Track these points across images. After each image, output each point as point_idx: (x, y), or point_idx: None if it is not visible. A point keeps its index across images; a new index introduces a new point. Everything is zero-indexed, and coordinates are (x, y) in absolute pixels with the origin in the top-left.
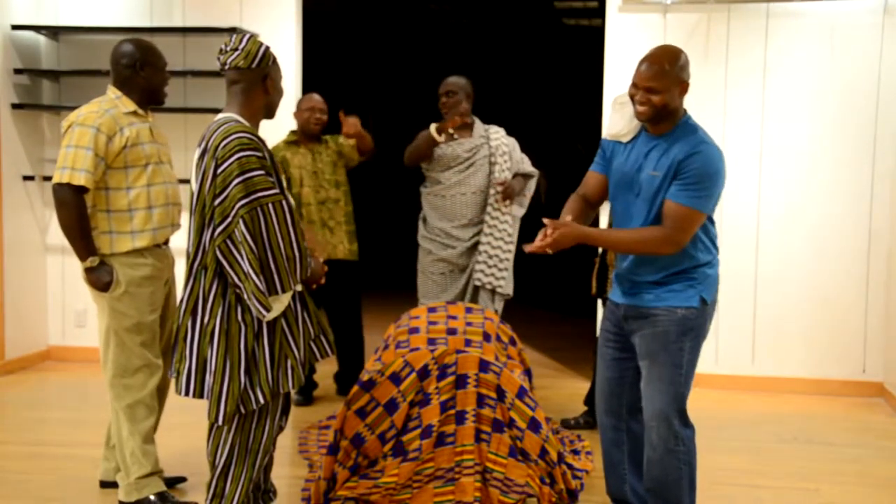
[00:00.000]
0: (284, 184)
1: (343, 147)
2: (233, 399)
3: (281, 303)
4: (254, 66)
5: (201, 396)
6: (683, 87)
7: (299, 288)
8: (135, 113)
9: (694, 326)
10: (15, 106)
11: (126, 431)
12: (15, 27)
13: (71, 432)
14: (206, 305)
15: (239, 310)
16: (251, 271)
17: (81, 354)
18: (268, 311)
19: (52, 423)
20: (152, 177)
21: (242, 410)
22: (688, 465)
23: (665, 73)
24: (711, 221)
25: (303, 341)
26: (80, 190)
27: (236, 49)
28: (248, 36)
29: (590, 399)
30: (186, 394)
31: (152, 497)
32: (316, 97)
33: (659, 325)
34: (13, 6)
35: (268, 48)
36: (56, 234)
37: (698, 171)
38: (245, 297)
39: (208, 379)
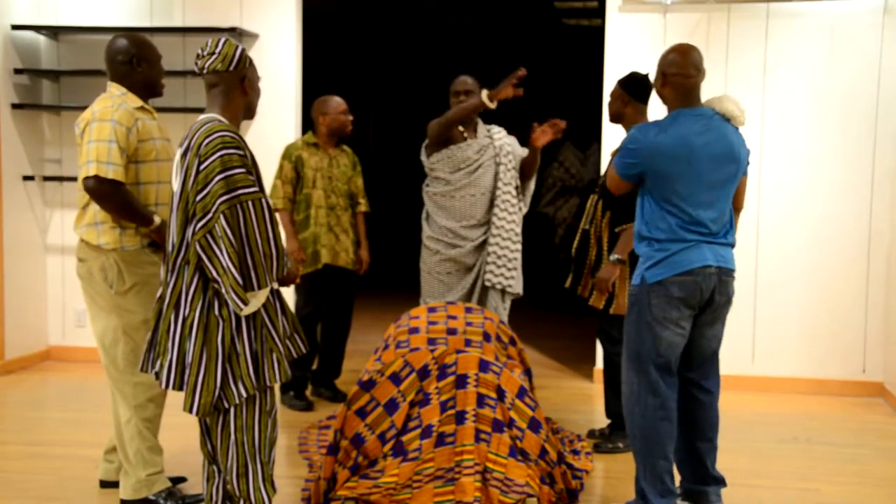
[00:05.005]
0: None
1: (357, 167)
2: (207, 392)
3: (258, 299)
4: (231, 68)
5: (181, 389)
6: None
7: (275, 286)
8: (142, 108)
9: (635, 303)
10: (15, 106)
11: (133, 430)
12: (15, 27)
13: (71, 432)
14: (187, 299)
15: (217, 305)
16: (230, 265)
17: (81, 354)
18: (245, 304)
19: (52, 423)
20: (161, 174)
21: (225, 405)
22: (640, 428)
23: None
24: (673, 210)
25: (283, 336)
26: (113, 183)
27: (213, 53)
28: (223, 39)
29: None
30: (167, 386)
31: (162, 494)
32: (340, 99)
33: None
34: (13, 6)
35: (244, 50)
36: (56, 234)
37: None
38: (223, 291)
39: (186, 371)
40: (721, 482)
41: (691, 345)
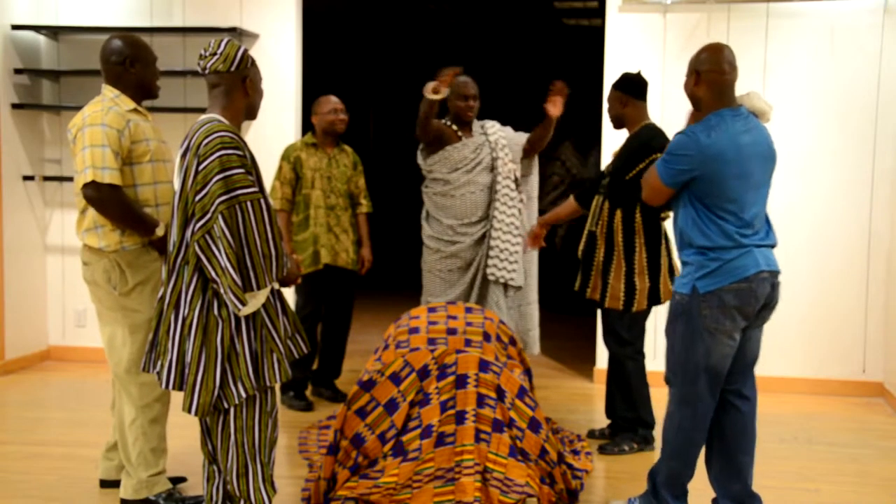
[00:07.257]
0: (264, 183)
1: (358, 167)
2: (206, 391)
3: (257, 299)
4: (233, 68)
5: (181, 389)
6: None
7: (276, 286)
8: (135, 110)
9: (685, 311)
10: (15, 106)
11: (137, 431)
12: (15, 27)
13: (71, 432)
14: (186, 299)
15: (216, 305)
16: (228, 266)
17: (81, 354)
18: (243, 305)
19: (52, 423)
20: (157, 174)
21: (225, 405)
22: (674, 437)
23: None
24: (725, 216)
25: (284, 336)
26: (111, 187)
27: (215, 53)
28: (226, 40)
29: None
30: (167, 385)
31: (162, 495)
32: (335, 98)
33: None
34: (13, 6)
35: (246, 51)
36: (56, 234)
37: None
38: (221, 291)
39: (186, 371)
40: (758, 501)
41: (737, 353)
